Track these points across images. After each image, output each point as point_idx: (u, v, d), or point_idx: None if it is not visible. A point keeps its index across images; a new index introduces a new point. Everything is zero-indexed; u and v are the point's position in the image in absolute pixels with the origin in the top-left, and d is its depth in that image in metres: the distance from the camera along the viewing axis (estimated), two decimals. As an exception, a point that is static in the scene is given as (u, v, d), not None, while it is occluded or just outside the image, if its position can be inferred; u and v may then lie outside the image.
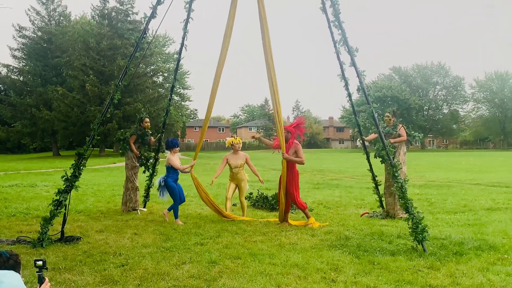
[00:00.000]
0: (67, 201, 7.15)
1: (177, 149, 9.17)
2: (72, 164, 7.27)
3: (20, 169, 26.93)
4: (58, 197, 7.08)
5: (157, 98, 47.12)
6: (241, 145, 9.55)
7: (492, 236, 7.37)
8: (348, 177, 20.58)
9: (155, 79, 53.21)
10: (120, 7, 47.65)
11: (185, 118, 66.89)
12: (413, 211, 6.73)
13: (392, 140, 9.13)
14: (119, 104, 37.32)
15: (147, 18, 7.77)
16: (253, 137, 9.50)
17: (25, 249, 6.59)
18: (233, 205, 10.57)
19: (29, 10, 50.87)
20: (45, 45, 50.90)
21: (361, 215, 9.51)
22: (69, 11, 60.48)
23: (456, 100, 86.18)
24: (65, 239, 7.05)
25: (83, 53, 45.48)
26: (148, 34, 8.01)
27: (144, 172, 10.52)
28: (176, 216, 8.82)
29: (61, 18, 53.18)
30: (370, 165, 9.53)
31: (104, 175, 21.33)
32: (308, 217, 8.57)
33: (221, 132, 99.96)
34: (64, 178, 7.17)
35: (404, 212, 7.15)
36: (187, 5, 9.20)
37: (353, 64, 7.42)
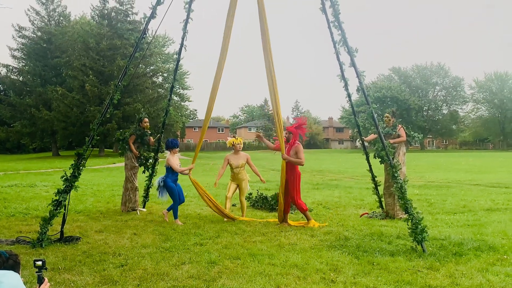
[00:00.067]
0: (67, 201, 7.14)
1: (177, 149, 9.18)
2: (72, 164, 7.27)
3: (19, 169, 26.92)
4: (57, 197, 7.08)
5: (156, 98, 47.09)
6: (242, 145, 9.56)
7: (491, 236, 7.38)
8: (348, 178, 20.58)
9: (154, 79, 53.20)
10: (120, 7, 47.63)
11: (184, 118, 66.91)
12: (412, 211, 6.73)
13: (391, 141, 9.13)
14: (119, 104, 37.31)
15: (146, 18, 7.77)
16: (257, 136, 9.50)
17: (25, 249, 6.58)
18: (233, 205, 10.58)
19: (28, 10, 50.90)
20: (44, 45, 50.88)
21: (361, 216, 9.52)
22: (68, 11, 60.47)
23: (456, 101, 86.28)
24: (64, 239, 7.05)
25: (83, 53, 45.47)
26: (147, 34, 8.01)
27: (143, 172, 10.52)
28: (175, 217, 8.83)
29: (61, 18, 53.16)
30: (370, 166, 9.53)
31: (104, 175, 21.32)
32: (308, 219, 8.54)
33: (220, 132, 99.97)
34: (63, 178, 7.17)
35: (404, 212, 7.15)
36: (187, 6, 9.20)
37: (353, 64, 7.43)
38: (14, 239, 7.12)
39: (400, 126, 9.51)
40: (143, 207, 10.48)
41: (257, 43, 8.72)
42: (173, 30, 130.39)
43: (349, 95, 8.69)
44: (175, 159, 9.06)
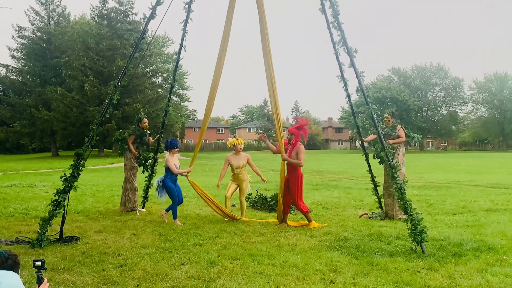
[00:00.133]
0: (66, 201, 7.14)
1: (176, 150, 9.18)
2: (71, 165, 7.27)
3: (19, 169, 26.90)
4: (57, 198, 7.08)
5: (156, 98, 47.08)
6: (242, 146, 9.57)
7: (491, 237, 7.38)
8: (347, 178, 20.59)
9: (154, 79, 53.16)
10: (120, 8, 47.61)
11: (184, 118, 66.88)
12: (412, 212, 6.73)
13: (391, 141, 9.14)
14: (118, 104, 37.36)
15: (146, 19, 7.76)
16: (261, 137, 9.50)
17: (24, 249, 6.58)
18: (232, 205, 10.57)
19: (28, 10, 50.84)
20: (44, 45, 50.86)
21: (360, 216, 9.52)
22: (68, 11, 60.25)
23: (455, 101, 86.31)
24: (63, 239, 7.04)
25: (82, 53, 45.44)
26: (147, 35, 8.00)
27: (142, 172, 10.52)
28: (174, 217, 8.83)
29: (60, 18, 53.12)
30: (369, 166, 9.53)
31: (103, 176, 21.32)
32: (309, 221, 8.50)
33: (220, 132, 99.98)
34: (63, 179, 7.17)
35: (403, 213, 7.15)
36: (186, 6, 9.21)
37: (352, 65, 7.42)
38: (14, 239, 7.12)
39: (399, 126, 9.52)
40: (143, 208, 10.48)
41: (257, 43, 8.73)
42: (172, 31, 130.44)
43: (348, 96, 8.69)
44: (174, 159, 9.07)
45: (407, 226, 6.71)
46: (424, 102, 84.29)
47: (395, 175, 7.05)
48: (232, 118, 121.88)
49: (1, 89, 57.32)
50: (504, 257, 6.11)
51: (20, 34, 50.97)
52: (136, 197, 10.25)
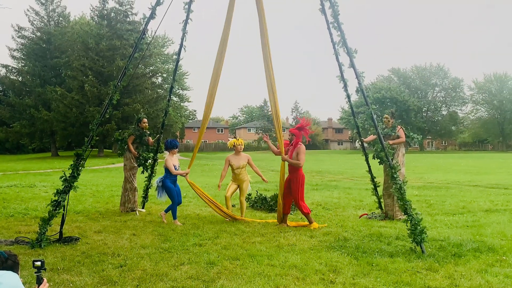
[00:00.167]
0: (66, 201, 7.14)
1: (176, 150, 9.18)
2: (71, 165, 7.27)
3: (18, 169, 26.90)
4: (56, 198, 7.08)
5: (156, 99, 47.08)
6: (243, 146, 9.57)
7: (490, 237, 7.38)
8: (347, 179, 20.59)
9: (154, 79, 53.16)
10: (119, 8, 47.60)
11: (184, 119, 66.86)
12: (411, 212, 6.73)
13: (390, 142, 9.14)
14: (118, 104, 37.38)
15: (146, 19, 7.76)
16: (264, 138, 9.47)
17: (24, 249, 6.58)
18: (232, 205, 10.56)
19: (28, 10, 50.84)
20: (44, 45, 50.86)
21: (360, 217, 9.51)
22: (68, 11, 60.31)
23: (455, 102, 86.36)
24: (63, 239, 7.04)
25: (82, 53, 45.45)
26: (147, 35, 8.00)
27: (142, 172, 10.52)
28: (174, 217, 8.83)
29: (60, 18, 53.13)
30: (369, 167, 9.53)
31: (103, 176, 21.32)
32: (310, 222, 8.48)
33: (220, 133, 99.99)
34: (62, 179, 7.17)
35: (403, 213, 7.14)
36: (186, 6, 9.21)
37: (352, 65, 7.42)
38: (13, 240, 7.12)
39: (399, 127, 9.52)
40: (142, 208, 10.48)
41: (257, 43, 8.73)
42: (172, 31, 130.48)
43: (348, 96, 8.69)
44: (174, 160, 9.06)
45: (407, 226, 6.71)
46: (424, 103, 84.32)
47: (395, 176, 7.05)
48: (232, 119, 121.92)
49: (1, 89, 57.29)
50: (504, 257, 6.11)
51: (20, 34, 50.99)
52: (135, 198, 10.25)
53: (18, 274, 3.16)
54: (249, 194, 11.10)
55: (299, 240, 7.28)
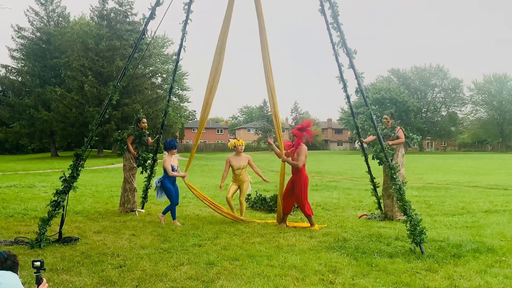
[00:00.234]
0: (65, 202, 7.14)
1: (175, 150, 9.16)
2: (70, 165, 7.27)
3: (18, 169, 26.90)
4: (56, 198, 7.08)
5: (155, 99, 47.09)
6: (243, 147, 9.57)
7: (490, 238, 7.38)
8: (347, 179, 20.59)
9: (153, 80, 53.18)
10: (119, 8, 47.62)
11: (183, 119, 66.82)
12: (411, 213, 6.73)
13: (390, 142, 9.15)
14: (118, 105, 37.39)
15: (146, 19, 7.76)
16: (268, 142, 9.44)
17: (23, 249, 6.58)
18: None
19: (28, 10, 50.91)
20: (43, 45, 50.89)
21: (359, 217, 9.51)
22: (68, 12, 60.43)
23: (455, 103, 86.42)
24: (63, 240, 7.04)
25: (82, 54, 45.47)
26: (147, 35, 8.00)
27: (141, 173, 10.52)
28: (174, 217, 8.82)
29: (60, 19, 53.16)
30: (369, 167, 9.53)
31: (102, 176, 21.32)
32: (312, 224, 8.44)
33: (219, 133, 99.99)
34: (62, 179, 7.17)
35: (402, 214, 7.15)
36: (186, 7, 9.21)
37: (352, 66, 7.42)
38: (13, 240, 7.11)
39: (398, 127, 9.52)
40: (142, 208, 10.48)
41: (257, 43, 8.73)
42: (172, 31, 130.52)
43: (348, 97, 8.68)
44: (173, 160, 9.04)
45: (406, 227, 6.72)
46: (423, 103, 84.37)
47: (394, 176, 7.05)
48: (231, 119, 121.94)
49: (0, 89, 57.32)
50: (503, 258, 6.12)
51: (19, 34, 51.02)
52: (135, 198, 10.25)
53: (17, 274, 3.16)
54: (249, 195, 11.10)
55: (298, 240, 7.28)
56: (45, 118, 45.44)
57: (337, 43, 7.69)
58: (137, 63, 10.80)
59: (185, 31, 9.43)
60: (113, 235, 7.61)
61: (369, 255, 6.28)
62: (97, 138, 7.61)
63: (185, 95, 66.74)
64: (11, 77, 51.27)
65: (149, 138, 10.45)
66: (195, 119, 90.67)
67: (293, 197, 8.51)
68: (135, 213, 9.88)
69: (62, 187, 7.12)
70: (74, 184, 7.20)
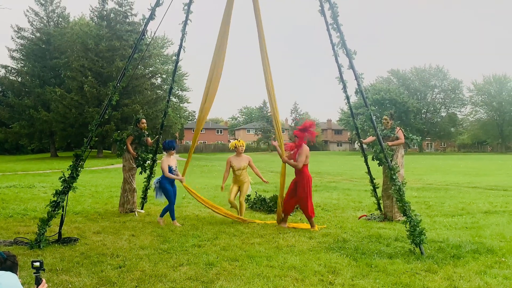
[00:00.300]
0: (65, 202, 7.14)
1: (173, 151, 9.14)
2: (70, 165, 7.27)
3: (17, 170, 26.89)
4: (55, 198, 7.07)
5: (155, 99, 47.11)
6: (244, 147, 9.57)
7: (489, 239, 7.38)
8: (346, 180, 20.60)
9: (153, 80, 53.22)
10: (119, 9, 47.66)
11: (183, 119, 66.84)
12: (410, 214, 6.73)
13: (390, 143, 9.15)
14: (117, 105, 37.38)
15: (145, 20, 7.76)
16: (273, 145, 9.41)
17: (23, 250, 6.57)
18: (231, 207, 10.55)
19: (27, 11, 50.95)
20: (43, 46, 50.91)
21: (359, 218, 9.51)
22: (67, 12, 60.36)
23: (454, 103, 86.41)
24: (62, 240, 7.03)
25: (82, 54, 45.49)
26: (146, 36, 8.00)
27: (140, 173, 10.51)
28: (173, 218, 8.81)
29: (60, 19, 53.20)
30: (368, 168, 9.53)
31: (102, 177, 21.31)
32: (312, 225, 8.42)
33: (219, 134, 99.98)
34: (61, 179, 7.17)
35: (402, 214, 7.15)
36: (186, 7, 9.22)
37: (351, 66, 7.42)
38: (12, 240, 7.11)
39: (398, 128, 9.52)
40: (141, 209, 10.48)
41: (257, 43, 8.72)
42: (172, 32, 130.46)
43: (347, 97, 8.69)
44: (171, 160, 9.02)
45: (406, 228, 6.71)
46: (423, 104, 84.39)
47: (394, 177, 7.05)
48: (231, 119, 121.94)
49: (0, 89, 57.32)
50: (503, 259, 6.11)
51: (19, 35, 51.06)
52: (134, 198, 10.25)
53: (17, 274, 3.16)
54: (248, 195, 11.09)
55: (298, 241, 7.28)
56: (44, 119, 45.46)
57: (337, 44, 7.69)
58: (137, 64, 10.81)
59: (184, 32, 9.44)
60: (112, 236, 7.60)
61: (368, 256, 6.28)
62: (96, 139, 7.61)
63: (184, 95, 66.85)
64: (11, 78, 51.32)
65: (149, 139, 10.45)
66: (195, 120, 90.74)
67: (295, 198, 8.49)
68: (135, 214, 9.88)
69: (62, 187, 7.11)
70: (74, 184, 7.20)
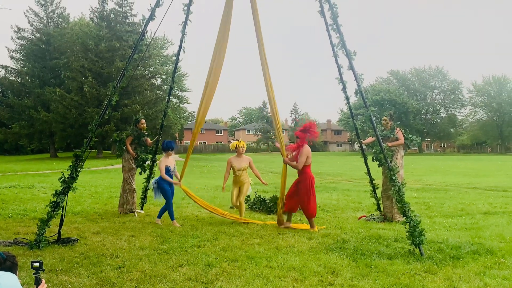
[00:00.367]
0: (64, 202, 7.13)
1: (171, 152, 9.14)
2: (70, 166, 7.26)
3: (17, 170, 26.88)
4: (55, 199, 7.07)
5: (155, 100, 47.12)
6: (245, 148, 9.56)
7: (489, 240, 7.38)
8: (346, 180, 20.60)
9: (153, 81, 53.24)
10: (119, 9, 47.68)
11: (183, 120, 66.86)
12: (410, 214, 6.73)
13: (389, 144, 9.15)
14: (117, 106, 37.38)
15: (145, 20, 7.76)
16: (277, 146, 9.40)
17: (22, 250, 6.57)
18: (231, 207, 10.56)
19: (27, 11, 50.96)
20: (43, 46, 50.92)
21: (359, 219, 9.51)
22: (67, 12, 60.53)
23: (454, 104, 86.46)
24: (62, 240, 7.03)
25: (82, 54, 45.50)
26: (146, 36, 8.01)
27: (140, 173, 10.51)
28: (172, 218, 8.80)
29: (60, 19, 53.20)
30: (368, 169, 9.53)
31: (102, 177, 21.30)
32: (312, 226, 8.41)
33: (219, 134, 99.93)
34: (61, 180, 7.16)
35: (402, 215, 7.15)
36: (186, 8, 9.22)
37: (351, 67, 7.42)
38: (12, 241, 7.10)
39: (398, 129, 9.52)
40: (141, 209, 10.48)
41: (256, 44, 8.71)
42: (172, 32, 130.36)
43: (347, 98, 8.68)
44: (169, 161, 9.02)
45: (406, 228, 6.71)
46: (422, 105, 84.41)
47: (394, 178, 7.05)
48: (231, 120, 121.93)
49: (0, 90, 57.31)
50: (502, 259, 6.12)
51: (19, 35, 51.08)
52: (134, 199, 10.25)
53: (16, 275, 3.16)
54: (248, 196, 11.09)
55: (297, 242, 7.28)
56: (44, 119, 45.46)
57: (336, 45, 7.69)
58: (136, 64, 10.82)
59: (184, 32, 9.44)
60: (112, 236, 7.60)
61: (368, 257, 6.28)
62: (96, 139, 7.61)
63: (184, 96, 66.96)
64: (11, 78, 51.33)
65: (148, 139, 10.45)
66: (194, 120, 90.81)
67: (297, 197, 8.48)
68: (134, 214, 9.88)
69: (61, 188, 7.11)
70: (73, 185, 7.20)
